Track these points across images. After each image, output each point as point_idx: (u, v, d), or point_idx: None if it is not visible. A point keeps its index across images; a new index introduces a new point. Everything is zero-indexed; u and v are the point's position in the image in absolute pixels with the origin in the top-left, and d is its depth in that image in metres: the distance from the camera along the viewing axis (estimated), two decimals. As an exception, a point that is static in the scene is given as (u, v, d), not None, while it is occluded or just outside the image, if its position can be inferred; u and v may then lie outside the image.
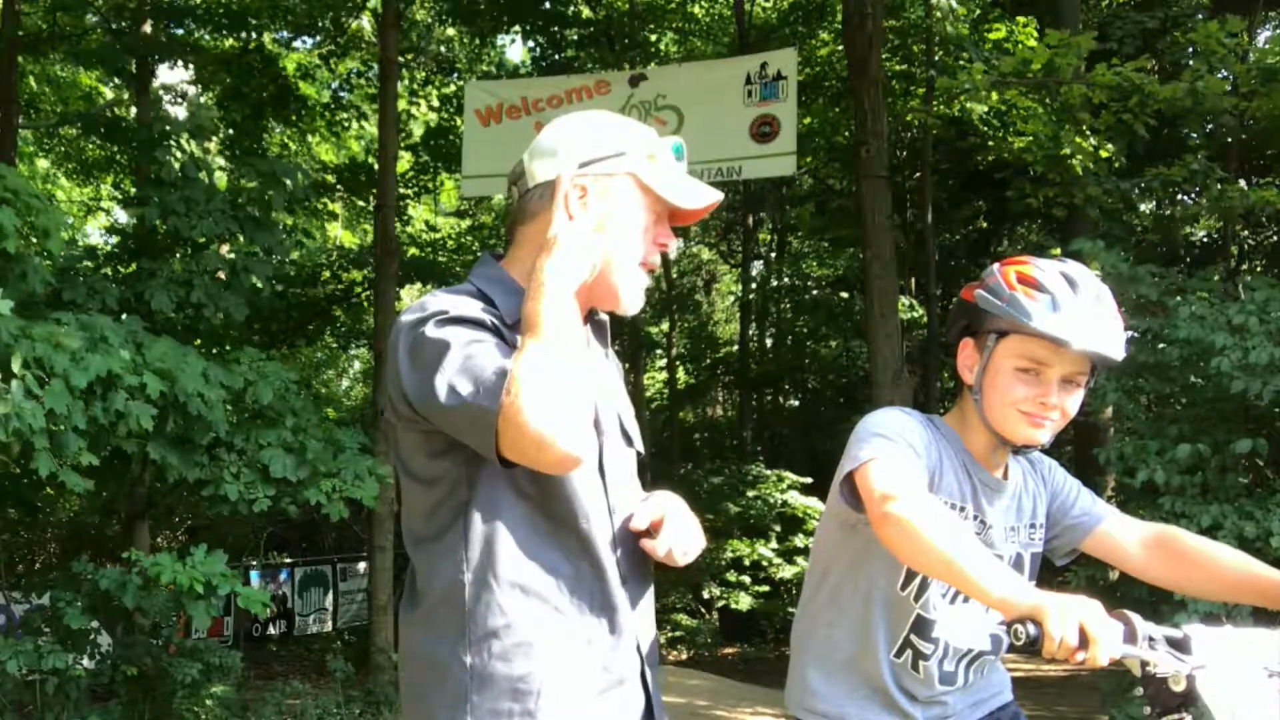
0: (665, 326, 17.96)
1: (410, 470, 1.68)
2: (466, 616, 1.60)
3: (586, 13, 14.44)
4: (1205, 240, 14.23)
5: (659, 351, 18.68)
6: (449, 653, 1.60)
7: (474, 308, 1.62)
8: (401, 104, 12.71)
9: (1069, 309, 1.77)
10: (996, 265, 1.90)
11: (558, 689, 1.60)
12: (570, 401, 1.49)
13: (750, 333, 17.73)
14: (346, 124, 14.54)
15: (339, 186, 15.32)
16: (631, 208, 1.69)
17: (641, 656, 1.71)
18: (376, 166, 11.55)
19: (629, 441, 1.82)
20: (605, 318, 1.85)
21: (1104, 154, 8.80)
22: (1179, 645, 1.52)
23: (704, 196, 1.72)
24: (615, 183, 1.68)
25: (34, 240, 5.78)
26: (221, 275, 7.51)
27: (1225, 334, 5.77)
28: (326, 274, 14.30)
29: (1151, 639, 1.50)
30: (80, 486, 5.37)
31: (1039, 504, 2.02)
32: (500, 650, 1.59)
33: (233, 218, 7.49)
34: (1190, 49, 8.88)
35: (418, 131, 15.16)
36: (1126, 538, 2.02)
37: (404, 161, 14.21)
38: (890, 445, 1.78)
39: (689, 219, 1.76)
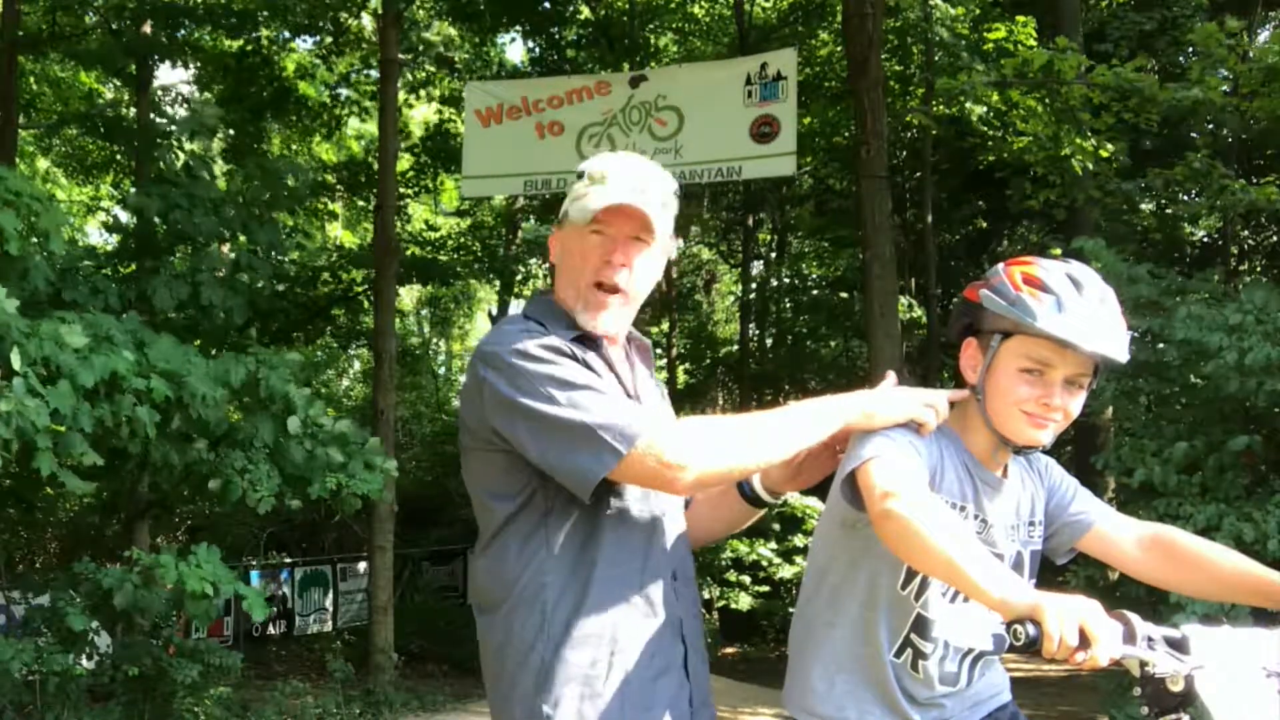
0: (665, 326, 17.96)
1: (489, 489, 1.89)
2: (544, 612, 1.81)
3: (586, 13, 14.44)
4: (1205, 240, 14.24)
5: (659, 351, 18.68)
6: (528, 646, 1.81)
7: (559, 342, 1.83)
8: (401, 102, 12.71)
9: (1074, 310, 1.77)
10: (1001, 265, 1.90)
11: (620, 674, 1.80)
12: (723, 456, 1.77)
13: (750, 333, 17.73)
14: (345, 119, 14.55)
15: (339, 186, 15.32)
16: (569, 243, 1.94)
17: (686, 645, 1.91)
18: (376, 166, 11.56)
19: None
20: (648, 343, 2.07)
21: (1104, 154, 8.80)
22: (1177, 645, 1.53)
23: (601, 201, 1.86)
24: (564, 226, 1.95)
25: (35, 240, 5.79)
26: (222, 274, 7.52)
27: (1223, 334, 5.78)
28: (326, 274, 14.29)
29: (1150, 639, 1.50)
30: (81, 489, 5.38)
31: (1037, 501, 2.02)
32: (572, 641, 1.79)
33: (234, 216, 7.49)
34: (1189, 49, 8.89)
35: (417, 130, 15.16)
36: (1123, 537, 2.02)
37: (404, 161, 14.22)
38: (891, 444, 1.79)
39: (623, 224, 1.89)
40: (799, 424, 1.81)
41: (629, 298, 1.92)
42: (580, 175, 1.93)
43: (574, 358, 1.81)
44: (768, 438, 1.79)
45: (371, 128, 15.18)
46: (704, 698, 1.94)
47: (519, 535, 1.84)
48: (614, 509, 1.84)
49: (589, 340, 1.91)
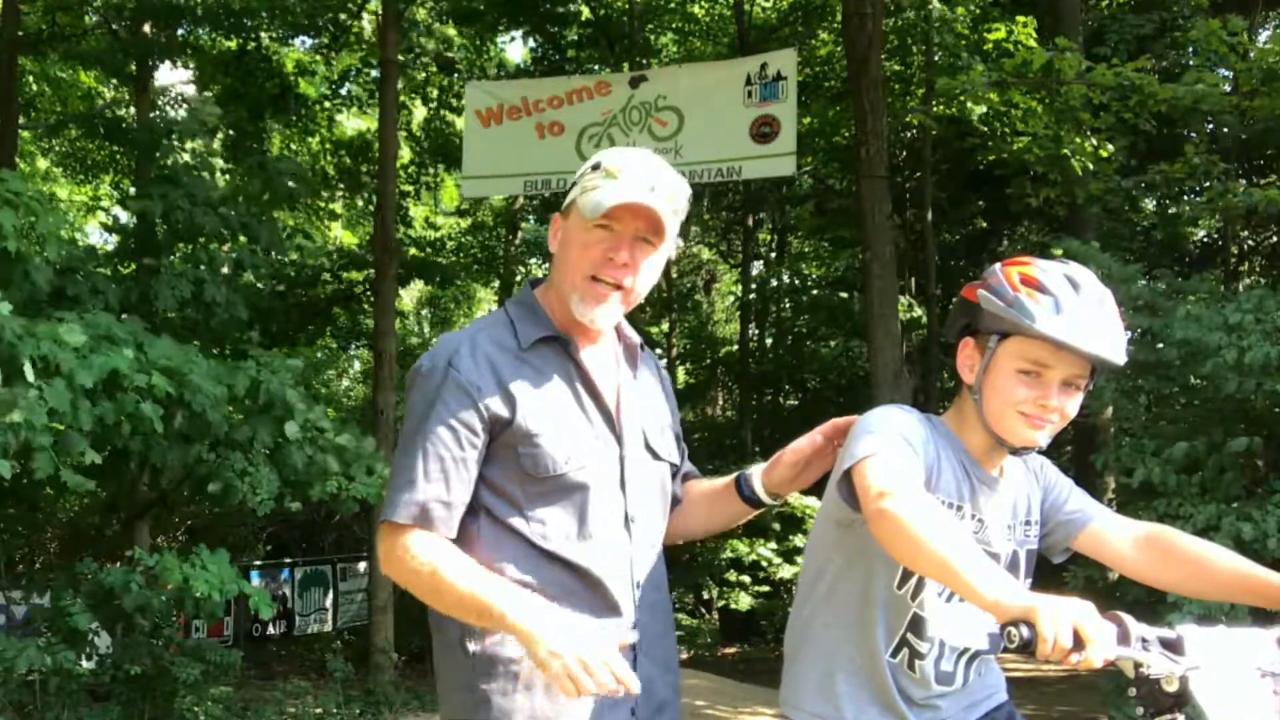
0: (665, 326, 17.97)
1: None
2: None
3: (586, 13, 14.44)
4: (1205, 240, 14.24)
5: (659, 351, 18.67)
6: (457, 642, 1.84)
7: (475, 382, 1.84)
8: (401, 96, 12.72)
9: (1072, 311, 1.77)
10: (999, 265, 1.90)
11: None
12: (415, 584, 1.80)
13: (750, 333, 17.73)
14: (343, 109, 14.54)
15: (340, 184, 15.32)
16: (573, 233, 1.89)
17: (635, 653, 1.86)
18: (377, 163, 11.55)
19: (654, 454, 1.99)
20: (636, 340, 2.03)
21: (1103, 154, 8.80)
22: (1172, 646, 1.52)
23: (614, 198, 1.82)
24: (570, 215, 1.91)
25: (35, 238, 5.79)
26: (225, 271, 7.53)
27: (1222, 334, 5.78)
28: (326, 274, 14.30)
29: (1145, 640, 1.50)
30: (82, 486, 5.38)
31: (1033, 501, 2.03)
32: (500, 638, 1.79)
33: (233, 215, 7.49)
34: (1190, 49, 8.89)
35: (418, 123, 15.16)
36: (1119, 537, 2.02)
37: (404, 156, 14.23)
38: (888, 442, 1.78)
39: (632, 223, 1.85)
40: (469, 595, 1.72)
41: (629, 297, 1.89)
42: (596, 166, 1.89)
43: (464, 394, 1.82)
44: (444, 598, 1.76)
45: (370, 124, 15.17)
46: (659, 704, 1.91)
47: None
48: (549, 520, 1.84)
49: (557, 341, 1.90)
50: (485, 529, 1.83)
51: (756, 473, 2.13)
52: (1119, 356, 1.78)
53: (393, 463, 1.86)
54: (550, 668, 1.59)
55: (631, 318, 2.02)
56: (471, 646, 1.81)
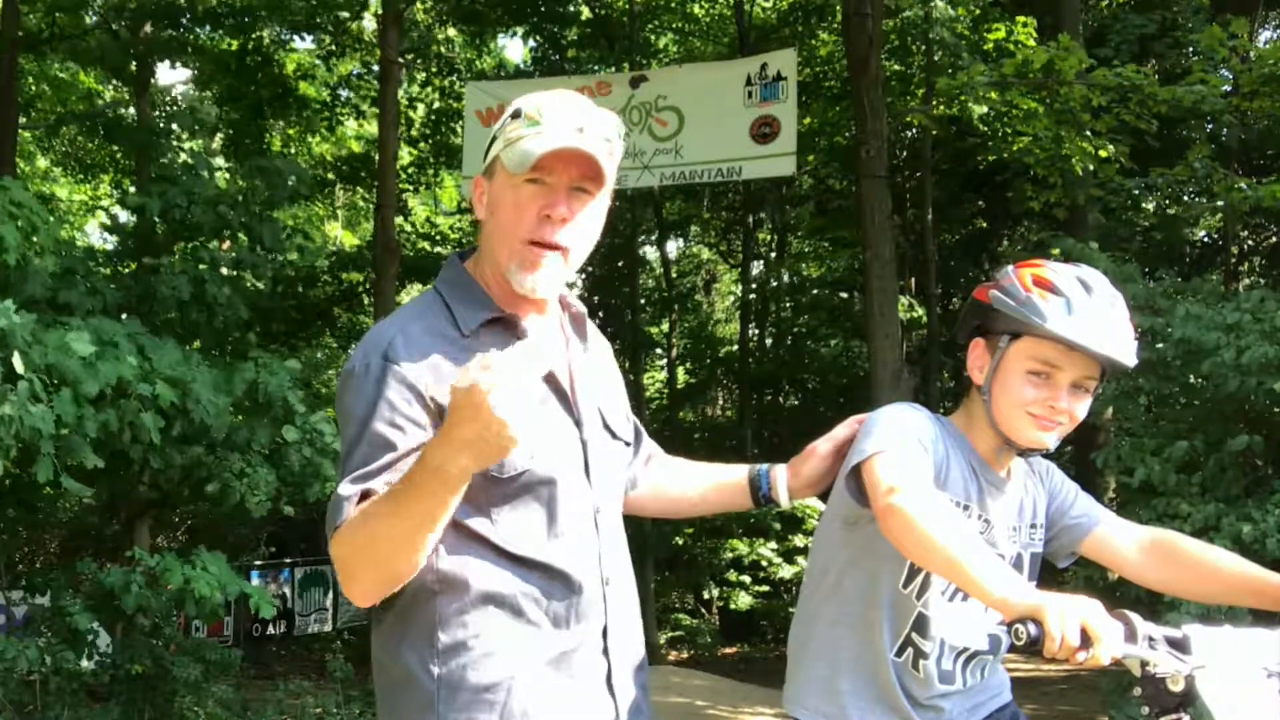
0: (665, 326, 17.97)
1: None
2: (435, 627, 1.61)
3: (586, 13, 14.45)
4: (1205, 241, 14.26)
5: (659, 351, 18.68)
6: (417, 663, 1.62)
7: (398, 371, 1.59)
8: (401, 101, 12.73)
9: (1084, 312, 1.77)
10: (1011, 267, 1.91)
11: (525, 697, 1.61)
12: (376, 569, 1.52)
13: (750, 333, 17.74)
14: (344, 118, 14.58)
15: (340, 183, 15.34)
16: (501, 194, 1.71)
17: (610, 661, 1.71)
18: (377, 161, 11.56)
19: (613, 434, 1.82)
20: (583, 309, 1.86)
21: (1104, 154, 8.81)
22: (1178, 645, 1.53)
23: (541, 147, 1.63)
24: (494, 174, 1.73)
25: (34, 244, 5.79)
26: (224, 271, 7.53)
27: (1220, 333, 5.79)
28: (326, 275, 14.30)
29: (1151, 639, 1.50)
30: (81, 492, 5.35)
31: (1039, 504, 2.03)
32: (469, 660, 1.60)
33: (234, 214, 7.50)
34: (1190, 50, 8.90)
35: (418, 123, 15.20)
36: (1124, 541, 2.03)
37: (405, 155, 14.24)
38: (897, 439, 1.79)
39: (566, 172, 1.66)
40: (392, 515, 1.48)
41: (569, 256, 1.68)
42: (516, 114, 1.69)
43: (409, 388, 1.57)
44: (390, 525, 1.50)
45: (371, 128, 15.21)
46: (635, 708, 1.75)
47: None
48: (518, 522, 1.63)
49: (502, 321, 1.69)
50: (446, 537, 1.58)
51: (780, 474, 2.02)
52: (1129, 358, 1.79)
53: (333, 488, 1.60)
54: None
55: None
56: (435, 669, 1.60)
